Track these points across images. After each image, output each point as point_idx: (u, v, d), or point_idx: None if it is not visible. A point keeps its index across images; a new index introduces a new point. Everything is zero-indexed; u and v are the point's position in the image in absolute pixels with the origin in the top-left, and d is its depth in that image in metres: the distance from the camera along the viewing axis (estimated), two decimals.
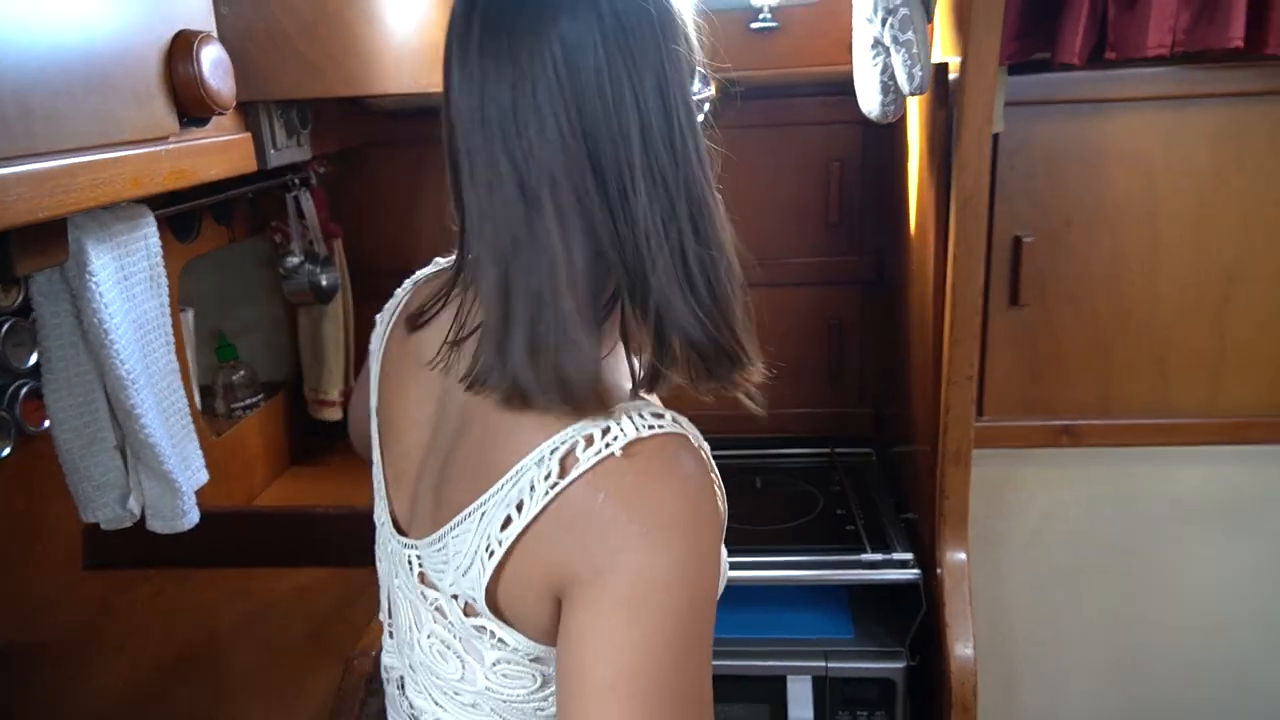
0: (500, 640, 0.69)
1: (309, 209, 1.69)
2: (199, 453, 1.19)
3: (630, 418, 0.64)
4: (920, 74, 1.19)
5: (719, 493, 0.68)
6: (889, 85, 1.27)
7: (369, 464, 0.86)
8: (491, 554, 0.66)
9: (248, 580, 1.35)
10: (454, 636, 0.72)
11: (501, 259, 0.65)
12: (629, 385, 0.69)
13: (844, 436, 1.94)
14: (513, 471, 0.66)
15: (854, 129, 1.78)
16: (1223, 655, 1.72)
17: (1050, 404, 1.64)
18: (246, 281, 1.85)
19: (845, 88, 1.74)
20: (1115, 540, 1.67)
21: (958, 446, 1.35)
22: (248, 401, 1.75)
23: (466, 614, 0.70)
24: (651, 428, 0.64)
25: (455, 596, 0.70)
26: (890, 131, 1.70)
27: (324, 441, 1.88)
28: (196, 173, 0.97)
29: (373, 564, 0.86)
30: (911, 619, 1.49)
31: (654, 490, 0.63)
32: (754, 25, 1.50)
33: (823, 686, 1.47)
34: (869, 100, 1.33)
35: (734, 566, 1.50)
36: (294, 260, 1.71)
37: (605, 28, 0.63)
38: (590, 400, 0.65)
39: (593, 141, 0.64)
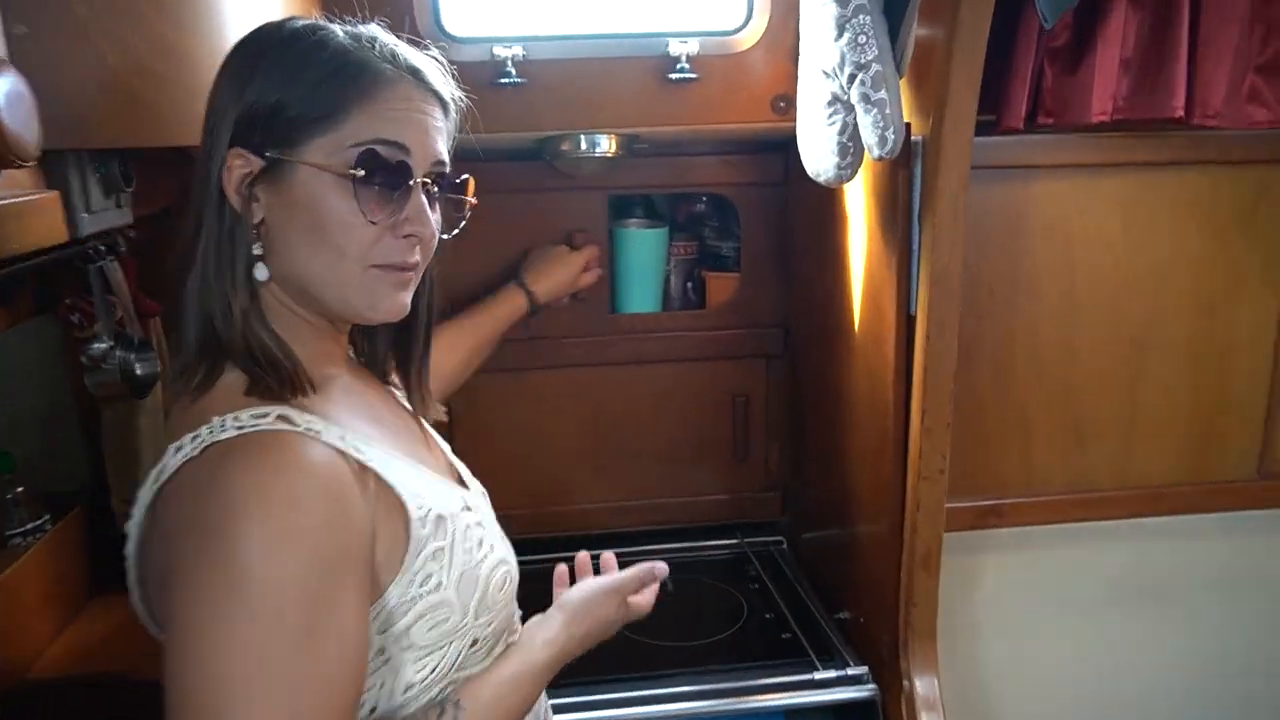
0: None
1: (118, 282, 1.35)
2: None
3: (226, 419, 0.72)
4: (893, 137, 1.06)
5: (344, 493, 0.72)
6: (847, 146, 1.13)
7: None
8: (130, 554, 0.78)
9: None
10: None
11: None
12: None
13: (751, 525, 1.77)
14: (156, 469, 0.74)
15: (757, 191, 1.65)
16: None
17: (977, 482, 1.55)
18: (26, 373, 1.46)
19: (752, 146, 1.62)
20: (1053, 632, 1.59)
21: (927, 549, 1.21)
22: (29, 526, 1.36)
23: None
24: (241, 428, 0.71)
25: None
26: (797, 193, 1.58)
27: None
28: None
29: None
30: None
31: (213, 492, 0.68)
32: (672, 75, 1.33)
33: None
34: (820, 161, 1.19)
35: (660, 699, 1.29)
36: (101, 346, 1.35)
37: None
38: (207, 402, 0.76)
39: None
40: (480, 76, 1.31)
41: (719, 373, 1.71)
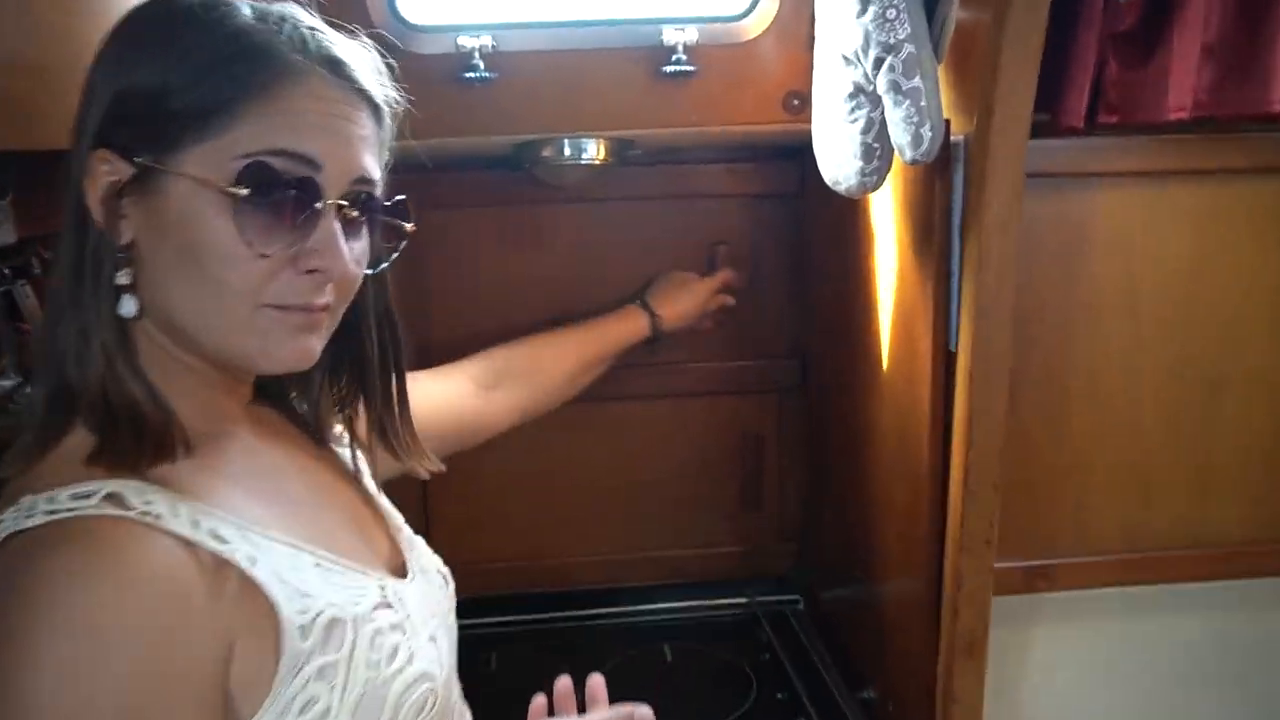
0: None
1: (30, 309, 1.17)
2: None
3: (39, 500, 0.58)
4: (930, 135, 0.86)
5: (180, 603, 0.57)
6: (873, 148, 0.94)
7: None
8: None
9: None
10: None
11: None
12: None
13: (763, 581, 1.57)
14: None
15: (768, 204, 1.45)
16: None
17: (1023, 539, 1.34)
18: None
19: (761, 151, 1.43)
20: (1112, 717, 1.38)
21: (971, 636, 1.00)
22: None
23: None
24: (53, 513, 0.56)
25: None
26: (814, 205, 1.38)
27: None
28: None
29: None
30: None
31: (4, 594, 0.54)
32: (667, 69, 1.14)
33: None
34: (840, 167, 0.99)
35: None
36: (6, 383, 1.18)
37: None
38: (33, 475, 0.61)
39: None
40: (443, 71, 1.13)
41: (726, 409, 1.51)
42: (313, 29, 0.67)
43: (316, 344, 0.68)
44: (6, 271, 1.14)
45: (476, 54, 1.11)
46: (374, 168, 0.69)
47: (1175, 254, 1.27)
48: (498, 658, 1.43)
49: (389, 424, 0.82)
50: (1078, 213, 1.24)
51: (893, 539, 1.17)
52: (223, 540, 0.61)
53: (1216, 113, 1.07)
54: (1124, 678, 1.38)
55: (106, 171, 0.63)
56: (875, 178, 0.96)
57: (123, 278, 0.64)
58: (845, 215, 1.21)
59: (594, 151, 1.23)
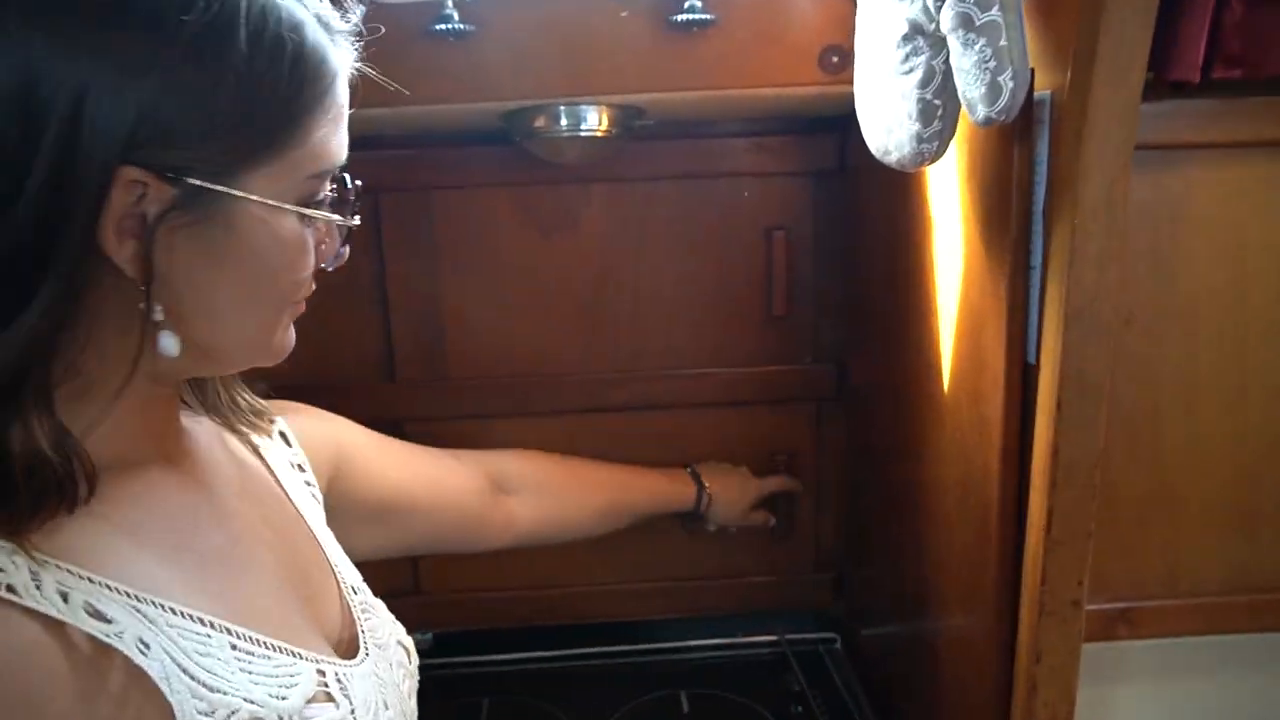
0: None
1: None
2: None
3: None
4: (1012, 85, 0.66)
5: (33, 699, 0.44)
6: (933, 106, 0.74)
7: None
8: None
9: None
10: None
11: None
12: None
13: (796, 615, 1.38)
14: None
15: (802, 182, 1.25)
16: None
17: (1102, 580, 1.13)
18: None
19: (793, 122, 1.23)
20: None
21: (1053, 714, 0.80)
22: None
23: None
24: None
25: None
26: (857, 184, 1.18)
27: None
28: None
29: None
30: None
31: None
32: (679, 18, 0.94)
33: None
34: (891, 132, 0.79)
35: None
36: None
37: None
38: None
39: None
40: (410, 22, 0.94)
41: (754, 422, 1.31)
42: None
43: None
44: None
45: (449, 2, 0.93)
46: None
47: None
48: (490, 704, 1.25)
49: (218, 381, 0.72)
50: (1177, 193, 1.02)
51: (951, 587, 0.97)
52: (104, 619, 0.49)
53: None
54: None
55: (137, 194, 0.51)
56: (936, 144, 0.76)
57: (158, 314, 0.54)
58: (896, 194, 1.01)
59: (595, 121, 1.04)
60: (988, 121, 0.68)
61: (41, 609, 0.46)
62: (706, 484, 1.23)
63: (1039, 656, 0.79)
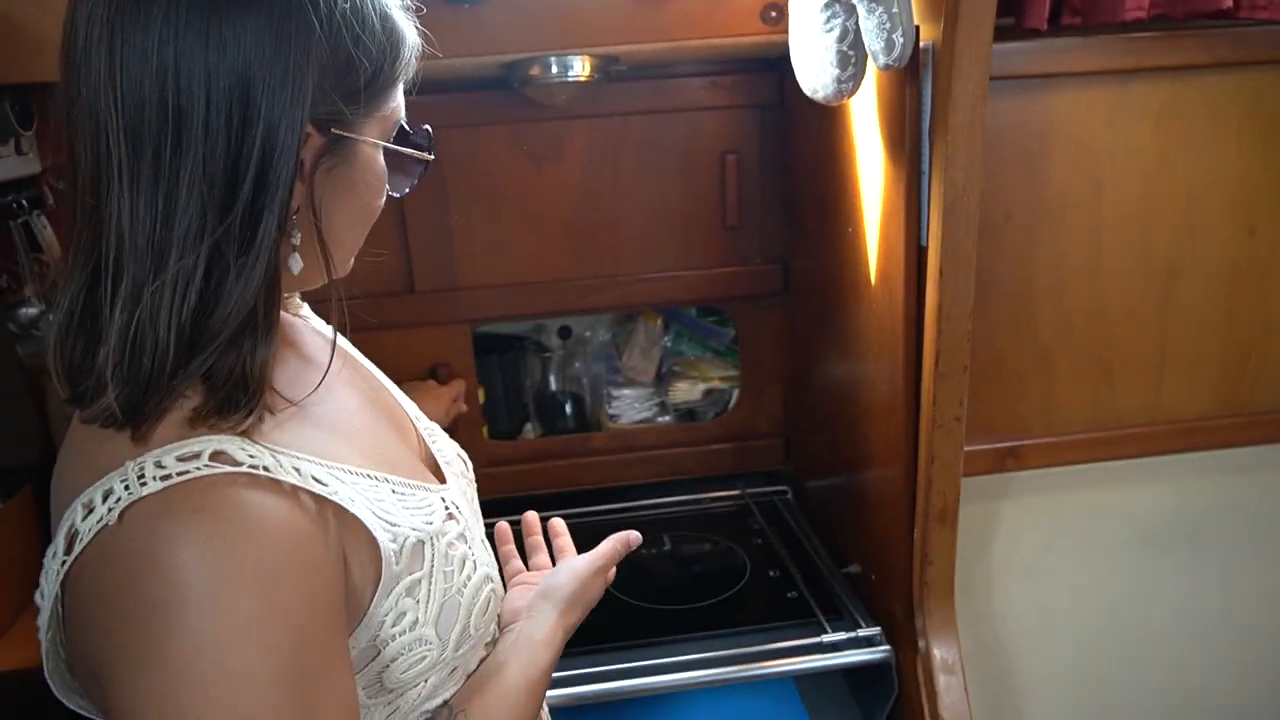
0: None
1: (47, 239, 1.23)
2: None
3: (145, 465, 0.55)
4: (902, 41, 0.92)
5: (311, 549, 0.58)
6: (848, 55, 1.00)
7: None
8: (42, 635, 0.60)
9: None
10: None
11: None
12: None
13: (753, 473, 1.67)
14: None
15: (749, 114, 1.51)
16: (1196, 685, 1.58)
17: (994, 423, 1.43)
18: None
19: (740, 65, 1.48)
20: (1076, 578, 1.49)
21: (944, 503, 1.10)
22: None
23: None
24: (167, 479, 0.54)
25: None
26: (795, 117, 1.44)
27: None
28: None
29: None
30: (880, 704, 1.24)
31: (153, 576, 0.53)
32: None
33: None
34: (817, 76, 1.05)
35: (659, 668, 1.20)
36: (30, 311, 1.24)
37: None
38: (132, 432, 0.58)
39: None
40: None
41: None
42: None
43: None
44: (24, 203, 1.19)
45: None
46: None
47: (1137, 150, 1.33)
48: None
49: None
50: (1042, 114, 1.30)
51: (874, 427, 1.26)
52: (322, 483, 0.61)
53: (1169, 12, 1.12)
54: (1087, 542, 1.49)
55: (310, 143, 0.63)
56: (851, 84, 1.02)
57: (296, 239, 0.65)
58: (826, 125, 1.27)
59: (580, 68, 1.28)
60: (886, 68, 0.95)
61: (286, 480, 0.58)
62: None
63: (933, 458, 1.08)
